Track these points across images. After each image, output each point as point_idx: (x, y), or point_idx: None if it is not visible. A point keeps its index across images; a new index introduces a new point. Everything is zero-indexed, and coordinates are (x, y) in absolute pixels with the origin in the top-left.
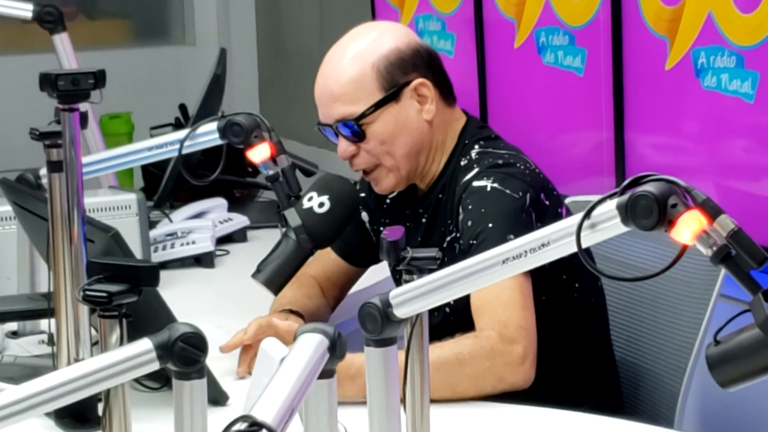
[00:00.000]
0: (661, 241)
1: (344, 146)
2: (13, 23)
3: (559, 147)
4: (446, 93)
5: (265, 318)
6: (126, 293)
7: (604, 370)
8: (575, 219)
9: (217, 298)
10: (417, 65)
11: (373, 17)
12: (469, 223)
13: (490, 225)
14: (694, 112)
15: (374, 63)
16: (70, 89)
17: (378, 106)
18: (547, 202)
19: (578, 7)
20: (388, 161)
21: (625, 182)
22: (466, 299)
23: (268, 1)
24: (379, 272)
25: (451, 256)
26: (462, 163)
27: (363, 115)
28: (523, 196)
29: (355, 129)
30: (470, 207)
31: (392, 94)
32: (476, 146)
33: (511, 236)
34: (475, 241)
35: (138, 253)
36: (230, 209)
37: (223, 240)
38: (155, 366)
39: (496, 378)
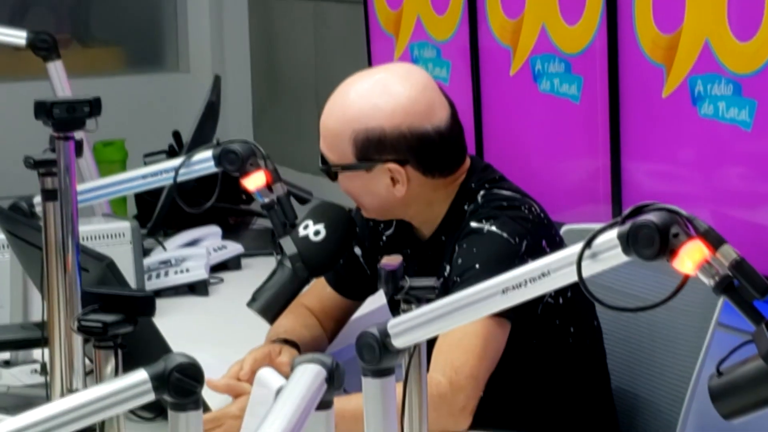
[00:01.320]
0: (659, 269)
1: None
2: (5, 50)
3: (555, 174)
4: (437, 169)
5: (260, 350)
6: (121, 323)
7: (600, 404)
8: (576, 248)
9: (212, 326)
10: (397, 149)
11: (368, 45)
12: (459, 261)
13: (477, 266)
14: (691, 140)
15: (354, 130)
16: (65, 117)
17: (348, 168)
18: (548, 249)
19: (574, 35)
20: (356, 203)
21: (626, 211)
22: None
23: (262, 28)
24: (375, 300)
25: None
26: (466, 208)
27: (334, 166)
28: (518, 243)
29: (328, 170)
30: (464, 246)
31: (364, 164)
32: (482, 190)
33: None
34: (458, 279)
35: (132, 281)
36: (224, 237)
37: (217, 268)
38: (151, 397)
39: (440, 428)
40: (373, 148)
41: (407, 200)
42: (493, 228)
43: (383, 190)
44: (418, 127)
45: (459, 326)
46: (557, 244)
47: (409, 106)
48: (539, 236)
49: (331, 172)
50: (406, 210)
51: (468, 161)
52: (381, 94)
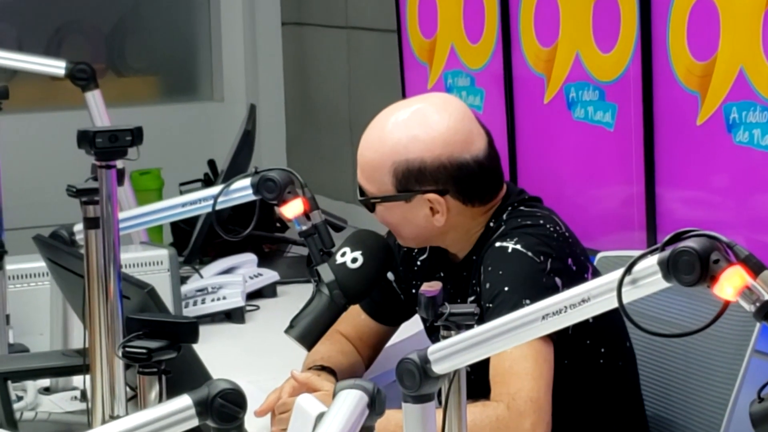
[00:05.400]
0: (693, 295)
1: None
2: (41, 79)
3: (589, 202)
4: (477, 198)
5: (299, 377)
6: (165, 349)
7: (635, 430)
8: (616, 274)
9: (248, 353)
10: (438, 180)
11: (402, 73)
12: (487, 285)
13: (506, 288)
14: (726, 167)
15: (395, 162)
16: (107, 146)
17: (387, 199)
18: (574, 267)
19: (608, 63)
20: (393, 233)
21: (667, 238)
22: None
23: (297, 58)
24: (412, 326)
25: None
26: (492, 224)
27: (373, 198)
28: (544, 261)
29: (367, 202)
30: (490, 268)
31: (404, 195)
32: (509, 207)
33: (527, 301)
34: (490, 305)
35: (170, 308)
36: (259, 264)
37: (253, 295)
38: (194, 423)
39: None
40: (414, 179)
41: (446, 229)
42: (518, 246)
43: (422, 220)
44: (457, 158)
45: (506, 354)
46: (582, 262)
47: (449, 137)
48: (564, 254)
49: (369, 203)
50: (444, 238)
51: (504, 188)
52: (420, 124)
